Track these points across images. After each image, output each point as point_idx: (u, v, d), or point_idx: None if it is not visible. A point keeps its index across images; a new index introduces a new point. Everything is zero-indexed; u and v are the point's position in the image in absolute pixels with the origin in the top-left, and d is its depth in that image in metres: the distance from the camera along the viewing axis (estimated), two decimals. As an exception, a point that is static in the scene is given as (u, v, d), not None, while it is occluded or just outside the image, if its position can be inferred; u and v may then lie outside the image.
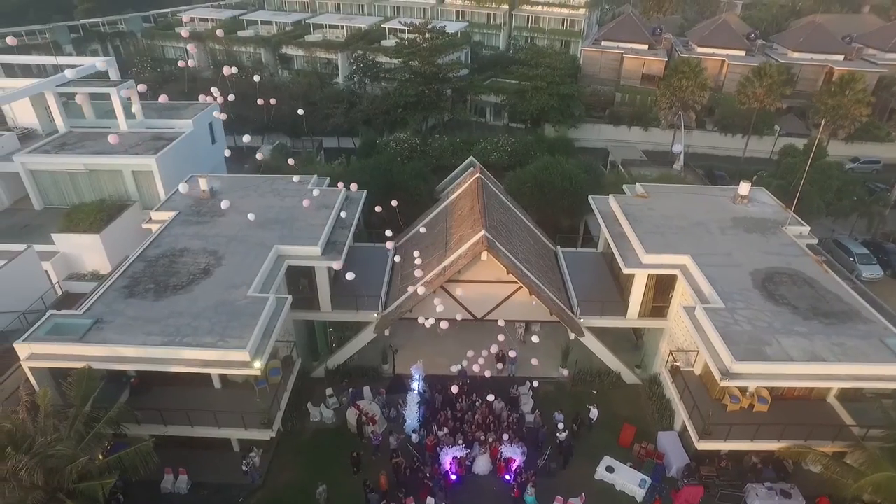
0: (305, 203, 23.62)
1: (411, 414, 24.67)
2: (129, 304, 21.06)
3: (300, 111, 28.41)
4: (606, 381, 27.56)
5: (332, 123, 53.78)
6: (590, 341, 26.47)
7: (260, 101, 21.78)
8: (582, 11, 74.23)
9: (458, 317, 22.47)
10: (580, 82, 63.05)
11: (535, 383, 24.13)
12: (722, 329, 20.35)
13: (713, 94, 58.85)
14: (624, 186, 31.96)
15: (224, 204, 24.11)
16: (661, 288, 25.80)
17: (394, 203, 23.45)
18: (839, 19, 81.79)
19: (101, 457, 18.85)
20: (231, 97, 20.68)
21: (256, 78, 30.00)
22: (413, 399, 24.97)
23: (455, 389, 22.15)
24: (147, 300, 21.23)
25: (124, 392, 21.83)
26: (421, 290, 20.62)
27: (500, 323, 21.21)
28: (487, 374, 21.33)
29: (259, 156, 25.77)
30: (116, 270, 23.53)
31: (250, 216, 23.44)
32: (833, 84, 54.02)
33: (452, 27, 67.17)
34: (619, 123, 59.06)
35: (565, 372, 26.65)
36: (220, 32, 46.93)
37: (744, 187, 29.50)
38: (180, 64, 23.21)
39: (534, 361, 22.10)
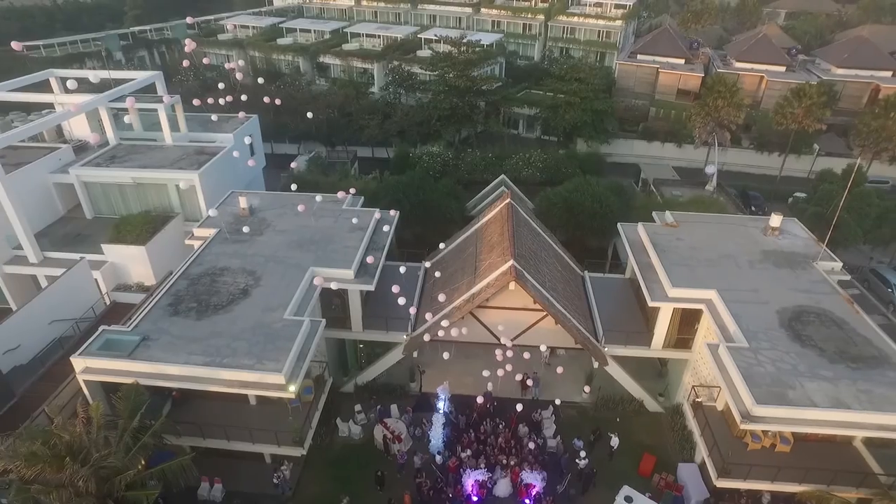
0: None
1: (436, 434, 25.45)
2: (173, 322, 22.36)
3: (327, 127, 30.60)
4: (629, 407, 27.86)
5: (366, 135, 54.96)
6: (614, 369, 26.83)
7: (309, 115, 23.46)
8: (618, 23, 73.82)
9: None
10: (614, 95, 62.85)
11: (558, 401, 24.80)
12: (744, 370, 20.55)
13: (750, 111, 58.00)
14: (654, 214, 32.09)
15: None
16: (687, 320, 25.99)
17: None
18: (889, 31, 79.22)
19: (143, 462, 20.14)
20: (244, 97, 22.47)
21: (260, 80, 31.55)
22: (438, 419, 25.75)
23: (480, 400, 23.16)
24: (190, 319, 22.51)
25: (167, 404, 23.15)
26: (446, 322, 21.51)
27: (526, 356, 21.85)
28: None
29: (294, 164, 27.02)
30: (161, 287, 24.90)
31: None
32: (878, 104, 52.70)
33: (487, 38, 67.65)
34: (652, 139, 58.76)
35: (587, 389, 27.15)
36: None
37: (775, 219, 29.37)
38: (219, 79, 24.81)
39: (557, 402, 22.89)
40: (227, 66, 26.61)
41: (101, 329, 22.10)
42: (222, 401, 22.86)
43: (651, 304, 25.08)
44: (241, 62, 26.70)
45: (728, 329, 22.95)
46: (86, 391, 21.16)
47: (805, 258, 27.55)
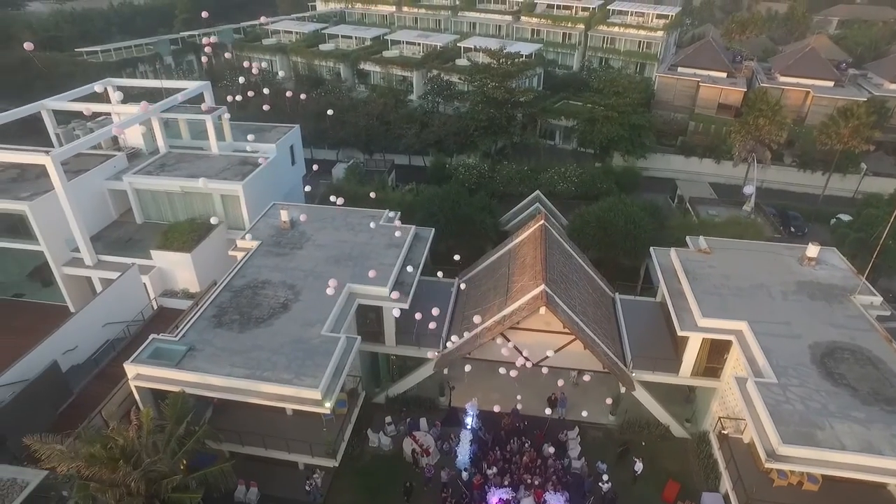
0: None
1: (463, 450, 26.15)
2: (217, 333, 23.64)
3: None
4: (655, 432, 28.01)
5: (404, 144, 55.97)
6: (641, 394, 27.04)
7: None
8: (660, 34, 73.00)
9: (513, 372, 23.66)
10: (653, 108, 62.33)
11: (585, 413, 25.30)
12: (772, 407, 20.59)
13: (794, 128, 56.79)
14: (687, 239, 32.04)
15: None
16: (717, 349, 26.01)
17: (456, 258, 25.32)
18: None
19: (184, 463, 21.41)
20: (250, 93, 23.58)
21: (281, 72, 32.47)
22: (466, 436, 26.45)
23: (497, 408, 23.95)
24: (233, 331, 23.74)
25: (208, 410, 24.45)
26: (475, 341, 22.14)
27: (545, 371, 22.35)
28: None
29: (334, 170, 27.90)
30: (206, 298, 26.26)
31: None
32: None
33: (526, 49, 67.86)
34: (690, 154, 58.10)
35: (609, 401, 27.56)
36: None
37: (812, 249, 29.04)
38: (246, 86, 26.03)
39: (584, 413, 23.26)
40: (245, 64, 28.19)
41: (150, 337, 23.52)
42: (260, 409, 24.02)
43: (680, 333, 25.21)
44: (263, 64, 28.29)
45: (757, 363, 22.96)
46: (137, 397, 22.59)
47: (842, 291, 27.20)
